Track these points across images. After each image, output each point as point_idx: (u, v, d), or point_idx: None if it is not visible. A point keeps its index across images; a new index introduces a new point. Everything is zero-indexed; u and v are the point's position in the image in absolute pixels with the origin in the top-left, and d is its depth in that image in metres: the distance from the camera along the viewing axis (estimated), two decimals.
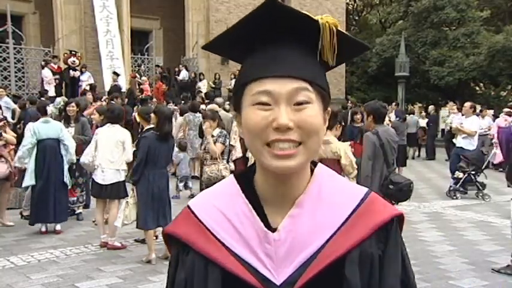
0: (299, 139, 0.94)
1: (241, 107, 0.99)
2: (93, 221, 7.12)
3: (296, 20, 0.96)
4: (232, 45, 1.03)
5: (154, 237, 5.85)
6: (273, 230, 0.99)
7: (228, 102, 13.38)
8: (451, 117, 12.77)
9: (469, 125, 10.05)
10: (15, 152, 7.02)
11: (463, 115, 10.99)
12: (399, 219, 1.04)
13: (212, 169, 6.04)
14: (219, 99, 12.76)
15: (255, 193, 1.03)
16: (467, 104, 10.63)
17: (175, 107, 13.00)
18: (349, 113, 12.14)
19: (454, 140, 11.26)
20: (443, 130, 21.63)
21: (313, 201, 1.00)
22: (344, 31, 1.00)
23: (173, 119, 12.00)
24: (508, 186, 6.69)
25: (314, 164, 1.07)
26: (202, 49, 1.13)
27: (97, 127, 7.26)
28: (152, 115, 5.72)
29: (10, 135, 7.19)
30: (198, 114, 10.97)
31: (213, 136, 6.09)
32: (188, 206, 1.08)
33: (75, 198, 7.49)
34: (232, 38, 1.01)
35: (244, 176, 1.07)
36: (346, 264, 0.97)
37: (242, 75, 1.01)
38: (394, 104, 16.70)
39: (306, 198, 1.00)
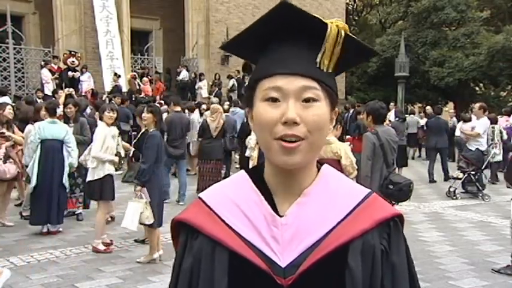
0: (304, 135, 0.98)
1: (254, 103, 1.04)
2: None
3: (308, 22, 1.01)
4: (247, 46, 1.09)
5: None
6: (281, 217, 1.03)
7: (227, 103, 13.40)
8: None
9: (477, 126, 10.25)
10: (23, 152, 7.04)
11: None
12: (400, 220, 1.09)
13: None
14: (214, 99, 12.96)
15: (264, 184, 1.07)
16: (477, 105, 10.73)
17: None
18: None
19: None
20: None
21: (320, 193, 1.05)
22: (354, 36, 1.03)
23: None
24: (508, 187, 6.60)
25: (321, 164, 1.12)
26: (220, 49, 1.20)
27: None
28: (149, 115, 5.72)
29: (18, 136, 7.21)
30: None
31: None
32: (199, 197, 1.12)
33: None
34: (247, 38, 1.07)
35: (254, 170, 1.12)
36: (349, 252, 1.01)
37: (255, 72, 1.07)
38: (392, 104, 16.65)
39: (313, 189, 1.05)
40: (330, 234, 1.01)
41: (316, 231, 1.01)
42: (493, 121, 11.30)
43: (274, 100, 0.99)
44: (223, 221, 1.05)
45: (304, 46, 1.02)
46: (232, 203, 1.06)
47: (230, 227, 1.04)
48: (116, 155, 6.23)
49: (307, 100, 0.98)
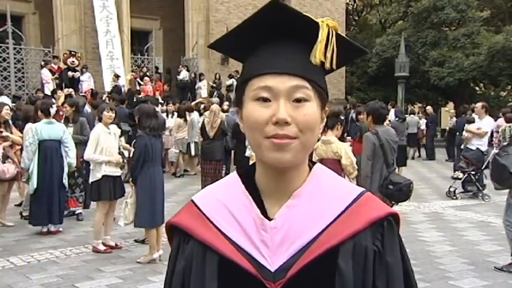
0: (295, 135, 0.97)
1: (243, 102, 1.02)
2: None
3: (298, 21, 1.00)
4: (237, 44, 1.07)
5: None
6: (270, 220, 1.02)
7: (227, 103, 13.40)
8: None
9: (483, 126, 10.24)
10: (22, 152, 7.03)
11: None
12: (395, 219, 1.06)
13: None
14: (214, 99, 12.98)
15: (255, 186, 1.06)
16: (479, 105, 10.71)
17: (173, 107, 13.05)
18: (352, 113, 12.37)
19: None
20: (443, 130, 21.62)
21: (310, 194, 1.03)
22: (343, 34, 1.03)
23: (171, 119, 12.15)
24: (496, 188, 5.62)
25: (313, 164, 1.10)
26: (208, 48, 1.18)
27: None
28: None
29: (16, 136, 7.21)
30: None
31: None
32: (191, 200, 1.12)
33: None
34: (237, 37, 1.05)
35: (246, 171, 1.11)
36: (339, 254, 0.99)
37: (244, 72, 1.05)
38: (389, 104, 16.65)
39: (303, 190, 1.03)
40: (320, 236, 0.99)
41: (306, 234, 0.99)
42: (510, 120, 11.21)
43: (264, 100, 0.97)
44: (213, 224, 1.04)
45: (295, 45, 1.01)
46: (222, 206, 1.06)
47: (220, 231, 1.03)
48: (119, 154, 6.20)
49: (298, 100, 0.97)
